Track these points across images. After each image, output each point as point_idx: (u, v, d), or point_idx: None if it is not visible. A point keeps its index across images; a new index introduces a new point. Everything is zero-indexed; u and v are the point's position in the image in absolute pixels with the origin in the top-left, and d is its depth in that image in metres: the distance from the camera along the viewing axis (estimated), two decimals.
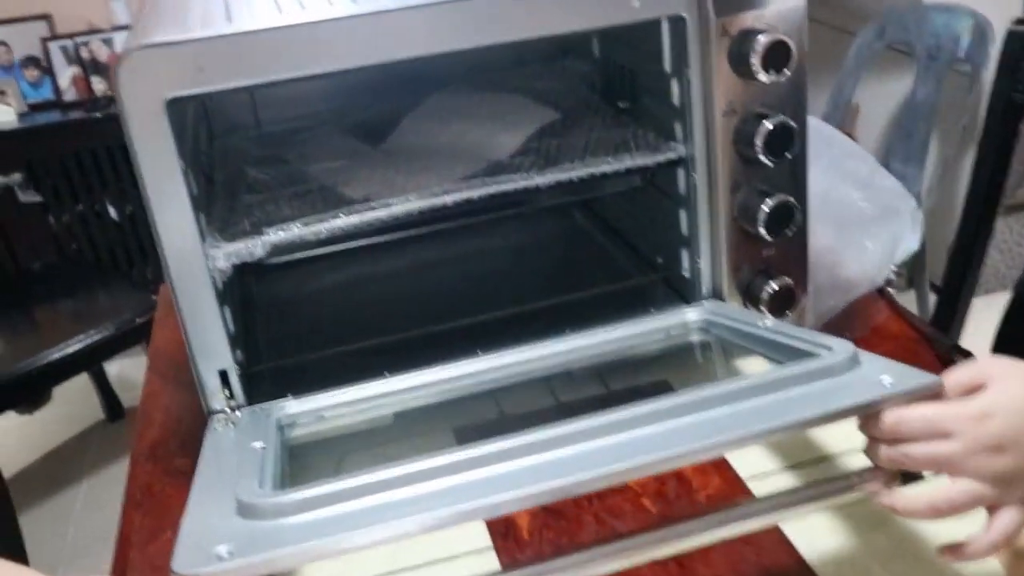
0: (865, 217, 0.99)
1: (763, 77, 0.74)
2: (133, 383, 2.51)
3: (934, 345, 0.88)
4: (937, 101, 1.81)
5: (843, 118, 2.05)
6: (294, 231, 0.72)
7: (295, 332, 0.93)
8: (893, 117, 2.12)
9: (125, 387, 2.48)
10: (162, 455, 0.83)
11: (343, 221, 0.72)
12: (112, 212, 2.61)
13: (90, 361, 2.02)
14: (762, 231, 0.80)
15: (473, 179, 0.79)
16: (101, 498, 2.15)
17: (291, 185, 0.84)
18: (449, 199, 0.76)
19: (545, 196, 1.06)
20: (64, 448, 2.35)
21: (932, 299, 1.89)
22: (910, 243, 1.00)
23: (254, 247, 0.70)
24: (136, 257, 2.67)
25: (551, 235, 1.11)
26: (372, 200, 0.75)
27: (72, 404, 2.42)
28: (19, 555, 1.86)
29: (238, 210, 0.78)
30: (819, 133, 0.99)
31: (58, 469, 2.27)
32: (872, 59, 2.03)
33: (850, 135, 1.73)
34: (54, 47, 2.44)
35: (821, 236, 0.92)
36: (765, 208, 0.79)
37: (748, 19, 0.74)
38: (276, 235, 0.71)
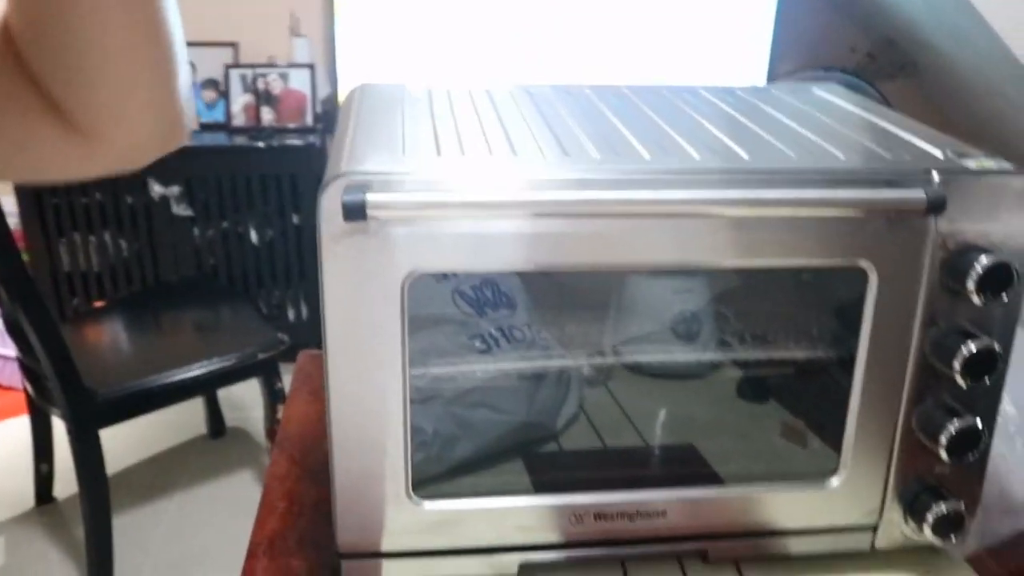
0: None
1: (976, 299, 0.69)
2: (240, 403, 2.56)
3: None
4: None
5: None
6: (456, 368, 0.71)
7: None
8: None
9: (231, 406, 2.54)
10: (279, 552, 0.82)
11: (505, 364, 0.71)
12: (253, 236, 2.70)
13: (208, 387, 2.08)
14: (942, 452, 0.74)
15: (641, 340, 0.77)
16: (192, 513, 2.19)
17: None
18: (600, 361, 0.73)
19: (707, 367, 1.02)
20: (163, 457, 2.41)
21: None
22: None
23: (421, 379, 0.69)
24: (267, 281, 2.75)
25: (702, 397, 1.06)
26: (538, 337, 0.74)
27: (177, 415, 2.48)
28: (107, 556, 1.90)
29: None
30: None
31: (155, 477, 2.32)
32: None
33: None
34: (234, 74, 2.56)
35: (994, 447, 0.85)
36: (951, 429, 0.73)
37: (971, 234, 0.69)
38: (440, 370, 0.70)
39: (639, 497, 0.77)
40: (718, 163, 0.68)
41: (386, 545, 0.75)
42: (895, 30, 1.78)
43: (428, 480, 0.75)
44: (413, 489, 0.73)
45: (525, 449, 0.85)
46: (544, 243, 0.66)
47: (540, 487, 0.78)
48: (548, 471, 0.85)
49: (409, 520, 0.74)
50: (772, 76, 2.36)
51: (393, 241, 0.64)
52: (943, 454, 0.74)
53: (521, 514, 0.76)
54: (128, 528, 2.09)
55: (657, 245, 0.67)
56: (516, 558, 0.77)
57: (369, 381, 0.67)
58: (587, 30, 2.44)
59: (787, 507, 0.79)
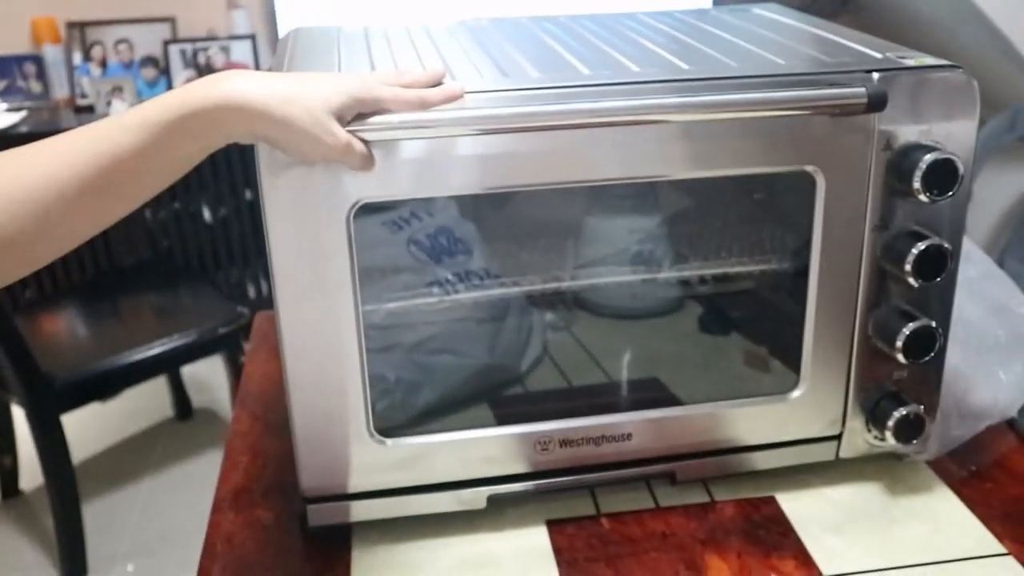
0: (999, 345, 0.92)
1: (923, 197, 0.69)
2: (205, 384, 2.53)
3: None
4: None
5: None
6: (410, 302, 0.70)
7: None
8: (1010, 212, 2.03)
9: (197, 387, 2.50)
10: (244, 504, 0.81)
11: (464, 296, 0.70)
12: (206, 214, 2.65)
13: (170, 365, 2.04)
14: (899, 355, 0.75)
15: (597, 265, 0.76)
16: (163, 496, 2.16)
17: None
18: (565, 286, 0.73)
19: (665, 287, 1.02)
20: (131, 442, 2.38)
21: None
22: None
23: (374, 315, 0.68)
24: (223, 260, 2.70)
25: (666, 335, 1.06)
26: (495, 276, 0.73)
27: (143, 399, 2.45)
28: (79, 544, 1.88)
29: None
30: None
31: (124, 463, 2.29)
32: (997, 150, 1.95)
33: None
34: (174, 50, 2.50)
35: (950, 359, 0.86)
36: (906, 331, 0.74)
37: (914, 133, 0.70)
38: (394, 304, 0.69)
39: (604, 421, 0.77)
40: (659, 74, 0.67)
41: (352, 486, 0.74)
42: None
43: (393, 428, 0.74)
44: (377, 432, 0.72)
45: (490, 393, 0.84)
46: (490, 164, 0.65)
47: (505, 420, 0.78)
48: (514, 407, 0.84)
49: (373, 459, 0.73)
50: None
51: (336, 169, 0.63)
52: (900, 356, 0.75)
53: (487, 445, 0.75)
54: (99, 515, 2.06)
55: (604, 159, 0.66)
56: (484, 491, 0.77)
57: (321, 318, 0.66)
58: None
59: (751, 423, 0.79)
